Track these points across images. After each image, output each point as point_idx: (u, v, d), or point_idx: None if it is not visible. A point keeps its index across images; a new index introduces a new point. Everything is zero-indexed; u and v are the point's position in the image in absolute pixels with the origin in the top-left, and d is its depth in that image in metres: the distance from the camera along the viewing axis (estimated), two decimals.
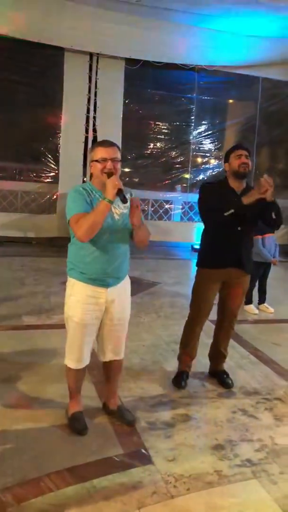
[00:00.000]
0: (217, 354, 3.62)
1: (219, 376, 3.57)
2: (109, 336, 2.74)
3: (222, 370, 3.62)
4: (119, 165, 2.52)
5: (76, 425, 2.73)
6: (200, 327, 3.50)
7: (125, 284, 2.75)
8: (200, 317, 3.47)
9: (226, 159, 3.35)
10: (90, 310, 2.61)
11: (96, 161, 2.50)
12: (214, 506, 2.24)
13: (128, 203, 2.53)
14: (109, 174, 2.44)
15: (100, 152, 2.50)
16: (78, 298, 2.63)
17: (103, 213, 2.41)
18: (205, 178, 9.15)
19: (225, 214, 3.10)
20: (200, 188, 3.42)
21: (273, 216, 3.21)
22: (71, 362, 2.73)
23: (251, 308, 5.38)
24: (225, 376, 3.56)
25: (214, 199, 3.23)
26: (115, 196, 2.39)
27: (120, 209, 2.56)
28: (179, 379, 3.44)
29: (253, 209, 3.13)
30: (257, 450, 2.72)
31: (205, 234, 3.44)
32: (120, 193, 2.39)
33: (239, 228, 3.25)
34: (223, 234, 3.27)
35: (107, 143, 2.53)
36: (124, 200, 2.42)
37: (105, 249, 2.55)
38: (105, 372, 2.92)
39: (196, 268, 3.45)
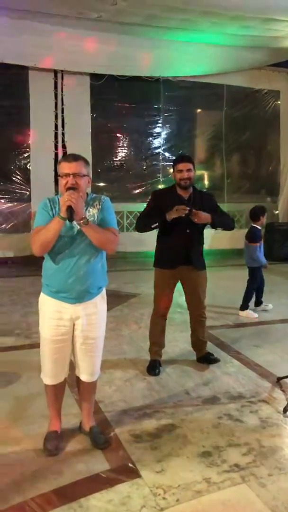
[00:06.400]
0: (197, 342, 3.99)
1: (205, 359, 3.95)
2: (80, 355, 2.67)
3: (206, 353, 3.99)
4: (83, 181, 2.47)
5: (47, 445, 2.66)
6: (162, 318, 3.88)
7: (96, 302, 2.64)
8: (160, 310, 3.85)
9: (173, 168, 3.69)
10: (54, 325, 2.56)
11: (60, 176, 2.49)
12: None
13: (91, 213, 2.52)
14: (72, 190, 2.41)
15: (63, 167, 2.48)
16: (44, 312, 2.61)
17: (54, 230, 2.40)
18: None
19: (152, 226, 3.57)
20: (151, 194, 3.83)
21: (219, 229, 3.74)
22: (45, 377, 2.69)
23: (248, 313, 5.39)
24: (210, 356, 3.97)
25: (151, 209, 3.62)
26: (66, 213, 2.35)
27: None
28: (153, 367, 3.75)
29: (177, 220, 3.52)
30: (244, 454, 2.70)
31: (159, 237, 3.77)
32: (69, 210, 2.34)
33: (187, 231, 3.61)
34: (174, 235, 3.63)
35: (71, 158, 2.51)
36: (70, 218, 2.36)
37: (66, 260, 2.51)
38: (78, 389, 2.86)
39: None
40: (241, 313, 5.42)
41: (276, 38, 7.74)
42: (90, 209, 2.56)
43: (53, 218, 2.43)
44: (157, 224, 3.56)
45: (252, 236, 5.36)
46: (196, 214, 3.49)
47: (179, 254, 3.65)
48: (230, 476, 2.49)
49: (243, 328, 5.04)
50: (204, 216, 3.52)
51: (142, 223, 3.66)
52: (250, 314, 5.39)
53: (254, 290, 5.49)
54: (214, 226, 3.67)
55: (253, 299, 5.59)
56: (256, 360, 4.07)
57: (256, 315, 5.39)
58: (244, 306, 5.43)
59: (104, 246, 2.56)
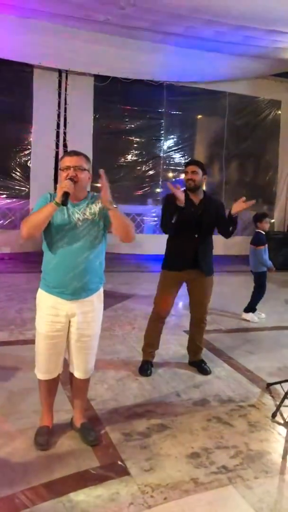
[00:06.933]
0: (193, 347, 4.01)
1: (197, 365, 3.95)
2: (74, 352, 2.70)
3: (200, 359, 4.00)
4: (83, 174, 2.53)
5: (38, 439, 2.70)
6: (161, 321, 3.90)
7: (93, 300, 2.66)
8: (161, 313, 3.86)
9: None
10: (50, 321, 2.59)
11: (61, 169, 2.55)
12: None
13: (93, 210, 2.57)
14: (71, 181, 2.46)
15: (64, 161, 2.55)
16: (41, 307, 2.65)
17: (46, 212, 2.43)
18: None
19: (172, 221, 3.54)
20: (164, 198, 3.87)
21: (230, 229, 3.66)
22: (38, 372, 2.72)
23: (251, 316, 5.52)
24: (203, 364, 3.95)
25: (168, 210, 3.60)
26: (61, 199, 2.40)
27: (84, 216, 2.56)
28: (145, 368, 3.79)
29: (202, 218, 3.62)
30: (232, 456, 2.75)
31: (168, 240, 3.82)
32: (64, 195, 2.40)
33: (196, 236, 3.66)
34: (182, 240, 3.68)
35: (72, 152, 2.59)
36: (63, 203, 2.41)
37: (65, 255, 2.54)
38: (71, 386, 2.89)
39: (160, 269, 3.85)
40: (244, 315, 5.54)
41: (279, 49, 7.83)
42: (92, 206, 2.60)
43: (47, 203, 2.48)
44: (175, 217, 3.53)
45: (256, 240, 5.52)
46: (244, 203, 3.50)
47: (187, 259, 3.68)
48: (217, 478, 2.54)
49: (236, 333, 5.09)
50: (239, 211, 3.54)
51: (164, 223, 3.69)
52: (251, 318, 5.50)
53: (262, 296, 5.58)
54: (232, 222, 3.62)
55: (246, 304, 5.67)
56: (247, 366, 4.12)
57: (256, 319, 5.50)
58: (248, 309, 5.55)
59: (126, 232, 2.56)
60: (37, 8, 6.86)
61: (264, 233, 5.53)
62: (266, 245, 5.52)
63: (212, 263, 3.85)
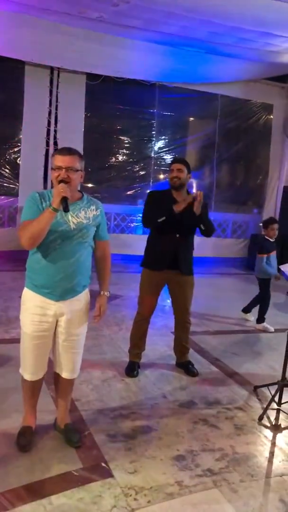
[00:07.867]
0: (179, 348, 3.98)
1: (184, 367, 3.92)
2: (62, 352, 2.65)
3: (187, 360, 3.96)
4: (75, 175, 2.45)
5: (20, 440, 2.64)
6: (145, 321, 3.85)
7: (81, 299, 2.63)
8: (144, 313, 3.83)
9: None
10: (37, 321, 2.53)
11: (53, 168, 2.47)
12: None
13: (87, 215, 2.53)
14: (64, 183, 2.40)
15: (57, 160, 2.45)
16: (27, 307, 2.58)
17: (45, 221, 2.35)
18: None
19: (158, 220, 3.52)
20: (147, 194, 3.83)
21: (202, 227, 3.62)
22: (24, 373, 2.66)
23: (264, 326, 5.33)
24: (190, 366, 3.91)
25: (153, 206, 3.61)
26: (59, 204, 2.33)
27: (79, 219, 2.51)
28: (131, 369, 3.76)
29: (183, 218, 3.54)
30: (217, 459, 2.71)
31: (149, 238, 3.81)
32: (64, 201, 2.34)
33: (177, 235, 3.62)
34: (163, 239, 3.65)
35: (65, 151, 2.48)
36: (65, 209, 2.35)
37: (56, 256, 2.48)
38: (56, 385, 2.83)
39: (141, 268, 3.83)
40: (257, 326, 5.38)
41: (272, 52, 7.83)
42: (88, 211, 2.56)
43: (44, 210, 2.40)
44: (164, 218, 3.51)
45: (258, 247, 5.44)
46: (200, 195, 3.45)
47: (167, 258, 3.65)
48: (202, 481, 2.50)
49: (224, 335, 5.06)
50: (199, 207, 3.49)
51: (148, 219, 3.66)
52: (266, 328, 5.33)
53: (268, 304, 5.39)
54: (201, 220, 3.59)
55: (242, 305, 5.61)
56: (235, 368, 4.10)
57: (272, 329, 5.31)
58: (260, 319, 5.40)
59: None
60: (30, 3, 6.78)
61: (272, 240, 5.29)
62: (274, 252, 5.30)
63: (192, 263, 3.81)
